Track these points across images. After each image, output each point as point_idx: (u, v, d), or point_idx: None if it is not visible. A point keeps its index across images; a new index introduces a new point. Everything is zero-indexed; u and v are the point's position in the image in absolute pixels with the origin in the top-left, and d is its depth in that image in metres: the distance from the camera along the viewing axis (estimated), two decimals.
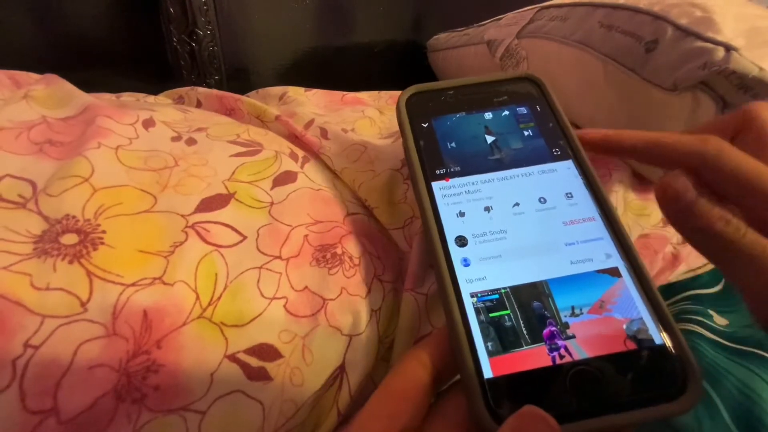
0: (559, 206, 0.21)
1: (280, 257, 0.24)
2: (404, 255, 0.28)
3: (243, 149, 0.29)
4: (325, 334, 0.23)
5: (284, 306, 0.22)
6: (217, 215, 0.24)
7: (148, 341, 0.19)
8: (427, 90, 0.26)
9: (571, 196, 0.22)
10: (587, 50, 0.40)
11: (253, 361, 0.21)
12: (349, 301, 0.24)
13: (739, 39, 0.31)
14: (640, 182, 0.41)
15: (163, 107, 0.35)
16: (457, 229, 0.21)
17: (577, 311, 0.19)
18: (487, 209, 0.21)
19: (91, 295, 0.19)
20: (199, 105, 0.43)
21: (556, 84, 0.46)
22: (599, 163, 0.41)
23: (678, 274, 0.41)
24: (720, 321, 0.39)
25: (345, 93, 0.48)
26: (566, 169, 0.23)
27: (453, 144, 0.24)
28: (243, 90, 0.48)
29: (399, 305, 0.26)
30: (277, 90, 0.48)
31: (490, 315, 0.18)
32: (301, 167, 0.30)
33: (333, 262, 0.25)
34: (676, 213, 0.17)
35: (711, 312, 0.40)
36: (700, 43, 0.32)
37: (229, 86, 0.59)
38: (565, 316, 0.18)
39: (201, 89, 0.44)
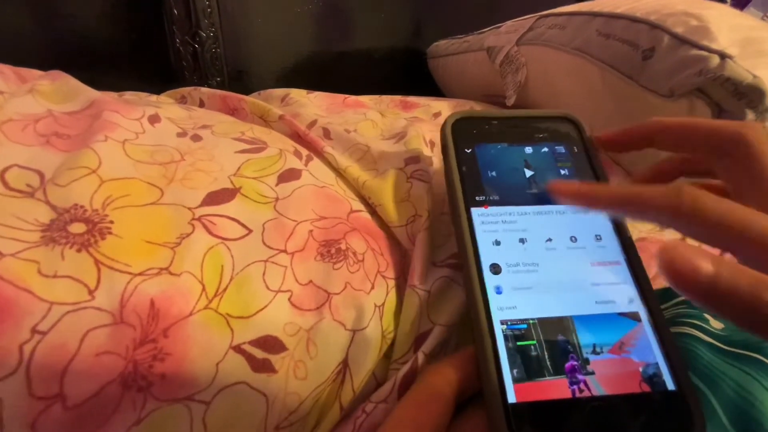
0: (588, 247, 0.22)
1: (285, 251, 0.24)
2: (407, 252, 0.28)
3: (248, 146, 0.29)
4: (329, 328, 0.23)
5: (289, 299, 0.23)
6: (223, 209, 0.24)
7: (155, 330, 0.19)
8: (473, 117, 0.26)
9: (600, 239, 0.23)
10: (585, 57, 0.41)
11: (258, 353, 0.21)
12: (353, 295, 0.24)
13: (733, 48, 0.32)
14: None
15: (167, 105, 0.35)
16: (492, 257, 0.22)
17: (598, 349, 0.20)
18: (522, 241, 0.22)
19: (99, 283, 0.19)
20: (201, 105, 0.43)
21: (554, 90, 0.47)
22: None
23: None
24: (716, 325, 0.40)
25: (347, 96, 0.49)
26: (597, 212, 0.24)
27: (493, 173, 0.24)
28: (245, 92, 0.49)
29: (402, 301, 0.26)
30: (280, 92, 0.48)
31: (518, 343, 0.19)
32: (305, 165, 0.30)
33: (337, 257, 0.25)
34: (703, 296, 0.13)
35: (706, 316, 0.40)
36: (695, 51, 0.33)
37: (231, 88, 0.59)
38: (587, 353, 0.19)
39: (204, 89, 0.44)
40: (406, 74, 0.74)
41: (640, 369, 0.19)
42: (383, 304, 0.26)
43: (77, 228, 0.20)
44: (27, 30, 0.49)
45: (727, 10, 0.38)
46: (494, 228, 0.22)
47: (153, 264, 0.20)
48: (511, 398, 0.18)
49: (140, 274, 0.19)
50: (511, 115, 0.27)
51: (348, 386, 0.23)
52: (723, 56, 0.32)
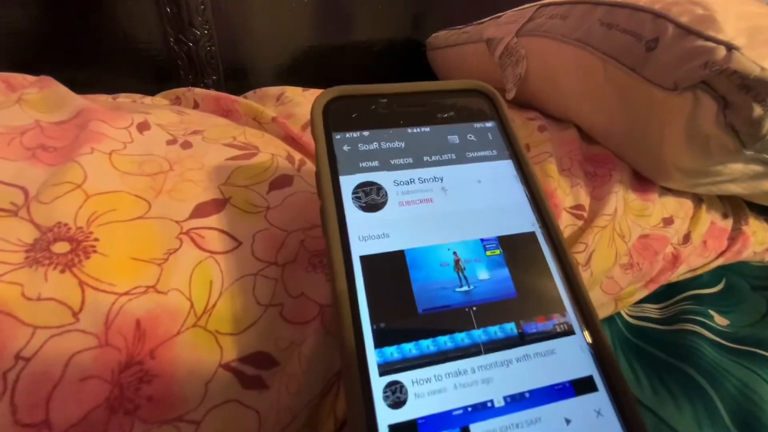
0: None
1: (275, 263, 0.23)
2: None
3: (239, 152, 0.29)
4: (322, 341, 0.23)
5: (280, 313, 0.22)
6: (211, 221, 0.23)
7: (141, 351, 0.18)
8: (353, 95, 0.20)
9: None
10: (587, 49, 0.40)
11: (249, 370, 0.20)
12: None
13: (740, 38, 0.31)
14: (640, 182, 0.40)
15: (158, 109, 0.35)
16: None
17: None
18: None
19: (83, 305, 0.18)
20: (196, 106, 0.43)
21: (555, 83, 0.45)
22: (598, 161, 0.41)
23: (678, 274, 0.41)
24: (721, 321, 0.39)
25: None
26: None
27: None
28: (241, 90, 0.48)
29: None
30: (275, 90, 0.47)
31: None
32: (298, 170, 0.29)
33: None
34: None
35: (711, 312, 0.39)
36: (701, 42, 0.32)
37: (227, 86, 0.58)
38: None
39: (198, 90, 0.43)
40: (406, 67, 0.73)
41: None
42: None
43: (61, 248, 0.19)
44: (20, 29, 0.49)
45: None
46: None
47: (139, 282, 0.20)
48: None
49: (126, 293, 0.19)
50: (407, 90, 0.21)
51: (342, 398, 0.23)
52: (729, 47, 0.30)
